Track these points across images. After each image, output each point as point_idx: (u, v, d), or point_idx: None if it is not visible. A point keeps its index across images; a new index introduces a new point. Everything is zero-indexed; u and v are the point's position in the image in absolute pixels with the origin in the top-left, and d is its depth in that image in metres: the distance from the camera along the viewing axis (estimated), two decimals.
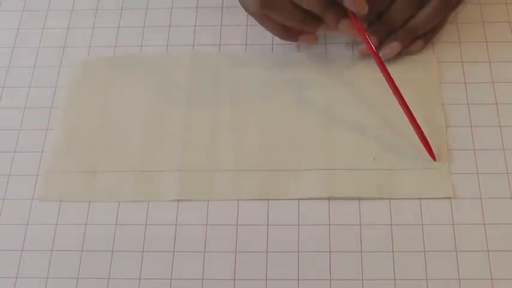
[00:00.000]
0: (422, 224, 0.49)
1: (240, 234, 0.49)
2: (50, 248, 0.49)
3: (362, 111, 0.53)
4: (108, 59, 0.58)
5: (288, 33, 0.54)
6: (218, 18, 0.59)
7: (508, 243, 0.48)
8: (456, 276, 0.47)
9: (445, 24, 0.56)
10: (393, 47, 0.54)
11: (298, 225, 0.49)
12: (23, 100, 0.56)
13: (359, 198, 0.50)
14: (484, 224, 0.48)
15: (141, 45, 0.58)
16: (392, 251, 0.48)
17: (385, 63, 0.54)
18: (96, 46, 0.59)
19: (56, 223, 0.50)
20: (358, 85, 0.54)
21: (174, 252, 0.49)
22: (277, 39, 0.56)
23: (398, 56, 0.54)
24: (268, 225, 0.49)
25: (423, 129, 0.51)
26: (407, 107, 0.50)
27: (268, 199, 0.50)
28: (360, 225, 0.49)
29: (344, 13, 0.50)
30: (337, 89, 0.54)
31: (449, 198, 0.49)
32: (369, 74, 0.54)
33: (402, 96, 0.50)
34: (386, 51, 0.54)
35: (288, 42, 0.56)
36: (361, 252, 0.48)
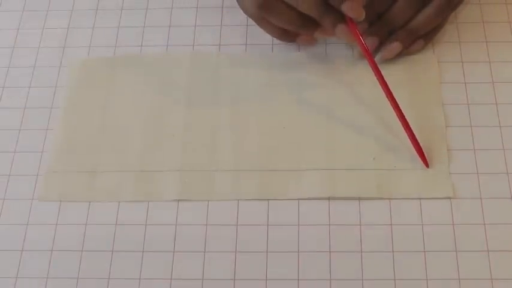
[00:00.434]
0: (422, 224, 0.49)
1: (240, 234, 0.49)
2: (50, 248, 0.49)
3: (362, 111, 0.53)
4: (108, 59, 0.58)
5: (285, 35, 0.54)
6: (218, 18, 0.59)
7: (508, 243, 0.48)
8: (456, 276, 0.47)
9: (445, 24, 0.56)
10: (394, 47, 0.54)
11: (298, 225, 0.49)
12: (23, 100, 0.56)
13: (359, 198, 0.50)
14: (484, 224, 0.48)
15: (141, 45, 0.58)
16: (392, 251, 0.48)
17: (385, 63, 0.55)
18: (96, 46, 0.59)
19: (56, 223, 0.50)
20: (358, 85, 0.54)
21: (174, 252, 0.49)
22: (277, 40, 0.57)
23: (398, 56, 0.54)
24: (268, 225, 0.49)
25: (423, 129, 0.51)
26: (401, 112, 0.50)
27: (268, 199, 0.50)
28: (360, 225, 0.49)
29: (341, 18, 0.50)
30: (337, 89, 0.54)
31: (449, 198, 0.49)
32: (368, 75, 0.54)
33: (396, 101, 0.50)
34: (386, 52, 0.54)
35: (287, 42, 0.56)
36: (361, 252, 0.48)
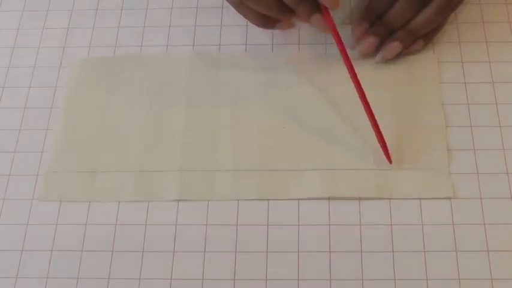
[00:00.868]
0: (422, 224, 0.49)
1: (240, 234, 0.49)
2: (50, 248, 0.49)
3: (362, 111, 0.53)
4: (108, 59, 0.58)
5: (265, 21, 0.54)
6: (218, 18, 0.59)
7: (508, 243, 0.48)
8: (456, 276, 0.47)
9: (445, 24, 0.56)
10: (394, 47, 0.54)
11: (298, 225, 0.49)
12: (23, 100, 0.56)
13: (359, 198, 0.50)
14: (484, 224, 0.48)
15: (141, 45, 0.58)
16: (392, 251, 0.48)
17: (385, 63, 0.55)
18: (96, 46, 0.59)
19: (56, 223, 0.50)
20: None
21: (174, 252, 0.49)
22: (277, 40, 0.57)
23: (398, 56, 0.54)
24: (268, 225, 0.49)
25: (423, 129, 0.51)
26: (368, 103, 0.49)
27: (268, 199, 0.50)
28: (360, 225, 0.49)
29: (317, 7, 0.50)
30: (337, 89, 0.54)
31: (449, 198, 0.49)
32: (368, 74, 0.54)
33: (365, 96, 0.49)
34: (386, 51, 0.54)
35: (287, 42, 0.56)
36: (361, 252, 0.48)
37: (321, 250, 0.48)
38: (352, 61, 0.50)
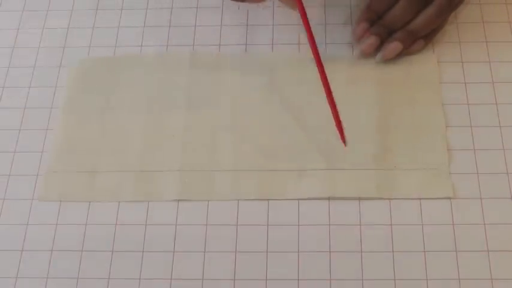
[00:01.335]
0: (422, 224, 0.49)
1: (240, 234, 0.49)
2: (50, 248, 0.49)
3: (362, 111, 0.53)
4: (108, 59, 0.58)
5: None
6: (218, 18, 0.59)
7: (508, 243, 0.48)
8: (456, 276, 0.47)
9: (445, 24, 0.56)
10: (394, 47, 0.54)
11: (298, 225, 0.49)
12: (23, 100, 0.56)
13: (359, 198, 0.50)
14: (484, 224, 0.48)
15: (141, 45, 0.58)
16: (392, 251, 0.48)
17: (385, 63, 0.55)
18: (96, 46, 0.59)
19: (56, 223, 0.50)
20: (358, 85, 0.54)
21: (174, 252, 0.49)
22: (277, 39, 0.57)
23: (398, 56, 0.54)
24: (268, 225, 0.49)
25: (423, 129, 0.51)
26: (329, 88, 0.50)
27: (268, 199, 0.50)
28: (360, 225, 0.49)
29: None
30: (338, 89, 0.54)
31: (449, 198, 0.49)
32: (368, 74, 0.54)
33: (329, 86, 0.50)
34: (387, 51, 0.54)
35: (287, 42, 0.56)
36: (361, 252, 0.48)
37: (321, 250, 0.48)
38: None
